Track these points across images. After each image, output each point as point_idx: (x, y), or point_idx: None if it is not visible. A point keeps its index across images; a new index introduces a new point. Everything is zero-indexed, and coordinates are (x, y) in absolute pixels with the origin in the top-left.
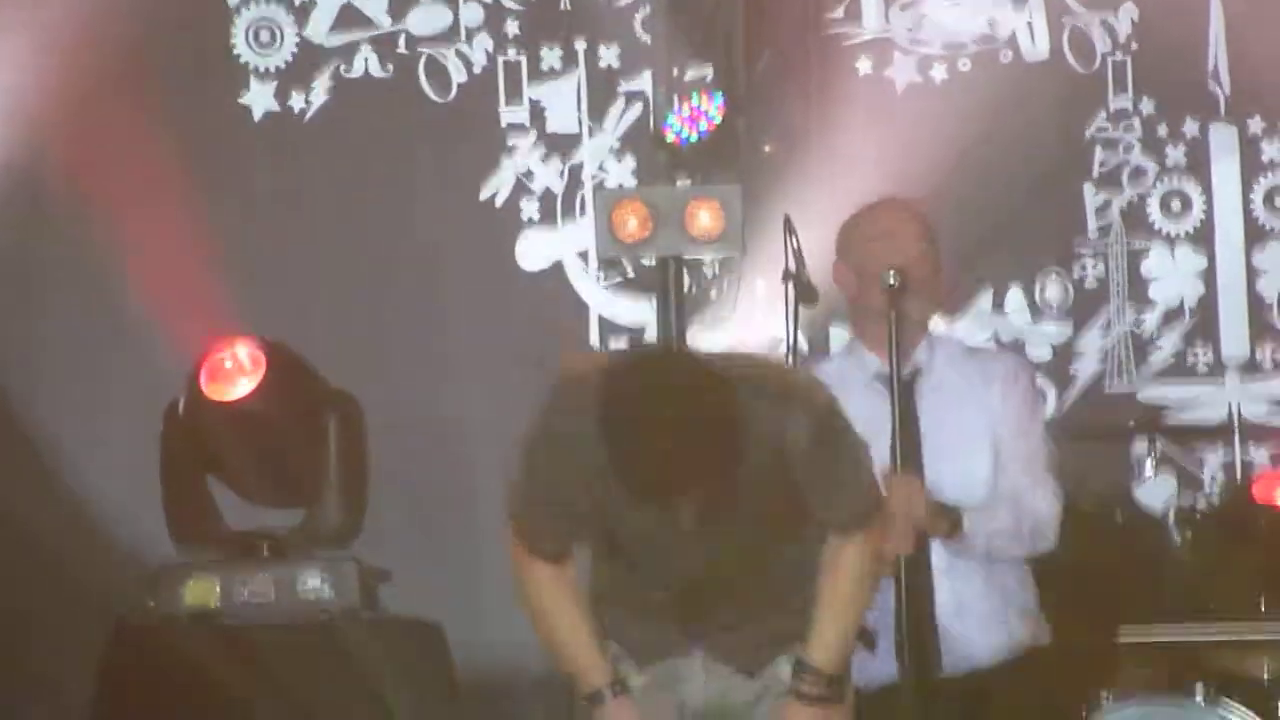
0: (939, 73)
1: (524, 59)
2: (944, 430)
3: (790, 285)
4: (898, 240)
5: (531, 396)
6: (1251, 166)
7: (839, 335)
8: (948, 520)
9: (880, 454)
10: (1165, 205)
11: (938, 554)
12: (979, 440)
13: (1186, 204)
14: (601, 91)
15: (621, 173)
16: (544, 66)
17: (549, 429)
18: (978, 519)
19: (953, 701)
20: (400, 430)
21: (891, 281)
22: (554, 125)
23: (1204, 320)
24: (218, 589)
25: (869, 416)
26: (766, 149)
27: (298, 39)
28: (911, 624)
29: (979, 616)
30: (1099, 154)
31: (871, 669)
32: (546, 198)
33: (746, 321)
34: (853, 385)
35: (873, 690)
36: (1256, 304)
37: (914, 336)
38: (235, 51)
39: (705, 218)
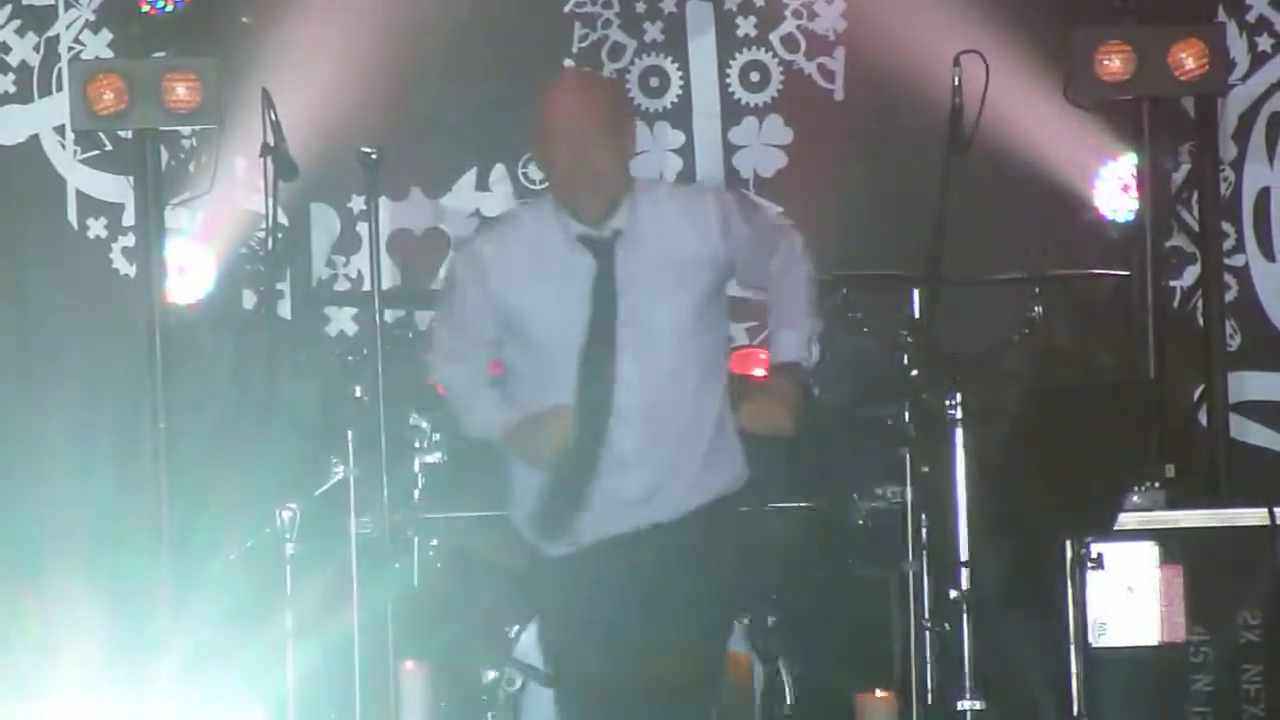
0: None
1: None
2: (651, 281)
3: (269, 160)
4: (565, 127)
5: (7, 272)
6: (727, 43)
7: (318, 210)
8: (798, 383)
9: (582, 314)
10: (644, 82)
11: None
12: (687, 273)
13: (664, 80)
14: None
15: (98, 45)
16: None
17: None
18: (803, 342)
19: (645, 550)
20: None
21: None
22: None
23: None
24: None
25: (569, 276)
26: (245, 21)
27: None
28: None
29: (663, 472)
30: (578, 29)
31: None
32: (22, 70)
33: (226, 196)
34: (557, 242)
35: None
36: (733, 179)
37: (610, 198)
38: None
39: (182, 90)
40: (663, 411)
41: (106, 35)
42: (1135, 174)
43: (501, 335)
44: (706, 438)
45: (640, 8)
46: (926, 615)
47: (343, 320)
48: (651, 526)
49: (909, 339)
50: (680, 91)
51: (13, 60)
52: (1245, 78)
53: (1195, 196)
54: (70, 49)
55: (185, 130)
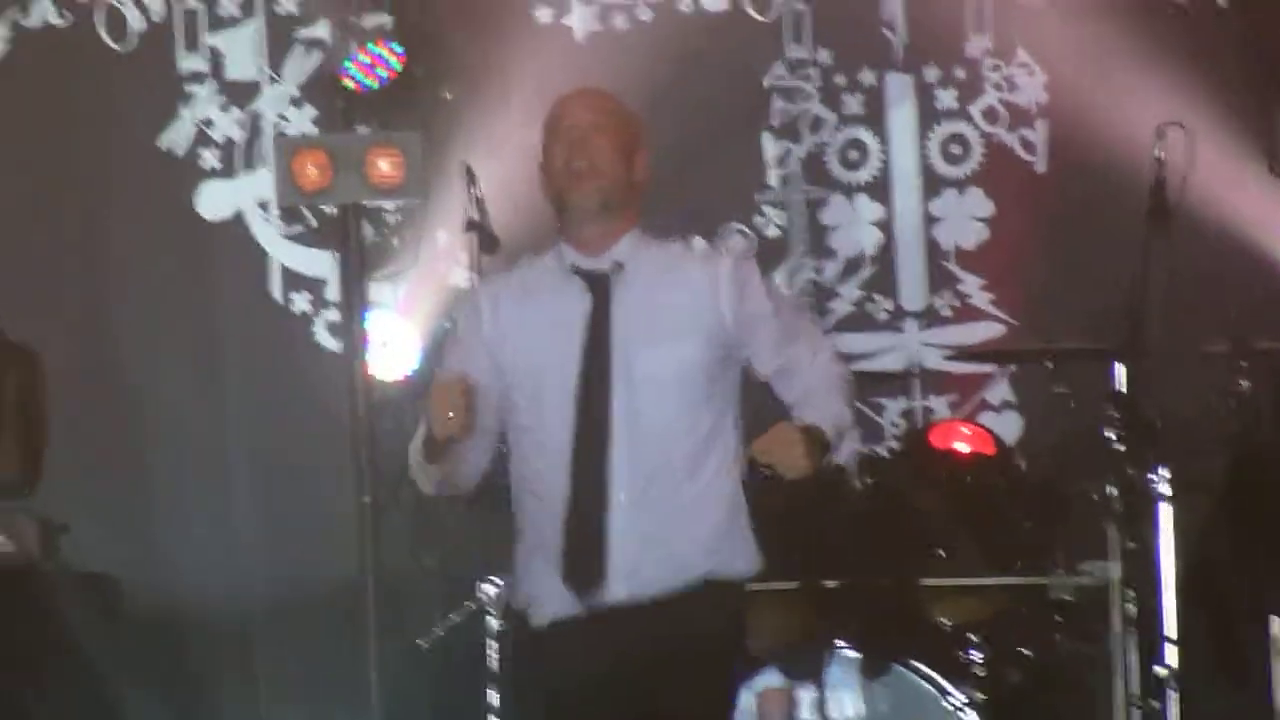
0: (619, 21)
1: (203, 6)
2: (646, 318)
3: (472, 234)
4: (575, 135)
5: (211, 347)
6: (927, 115)
7: None
8: (820, 445)
9: (574, 346)
10: (844, 155)
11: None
12: (688, 325)
13: (864, 153)
14: (280, 39)
15: (302, 121)
16: (223, 13)
17: None
18: (830, 428)
19: (623, 630)
20: (81, 383)
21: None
22: (233, 73)
23: (883, 269)
24: None
25: (561, 307)
26: (447, 96)
27: None
28: (579, 547)
29: (647, 541)
30: (778, 104)
31: (555, 601)
32: (227, 146)
33: (429, 270)
34: (550, 276)
35: (547, 622)
36: (933, 252)
37: (614, 231)
38: None
39: (385, 165)
40: (650, 475)
41: (310, 111)
42: None
43: (503, 395)
44: (702, 517)
45: (840, 80)
46: (1134, 692)
47: None
48: (634, 602)
49: (1113, 413)
50: (880, 164)
51: (217, 136)
52: None
53: None
54: (274, 124)
55: (389, 205)
